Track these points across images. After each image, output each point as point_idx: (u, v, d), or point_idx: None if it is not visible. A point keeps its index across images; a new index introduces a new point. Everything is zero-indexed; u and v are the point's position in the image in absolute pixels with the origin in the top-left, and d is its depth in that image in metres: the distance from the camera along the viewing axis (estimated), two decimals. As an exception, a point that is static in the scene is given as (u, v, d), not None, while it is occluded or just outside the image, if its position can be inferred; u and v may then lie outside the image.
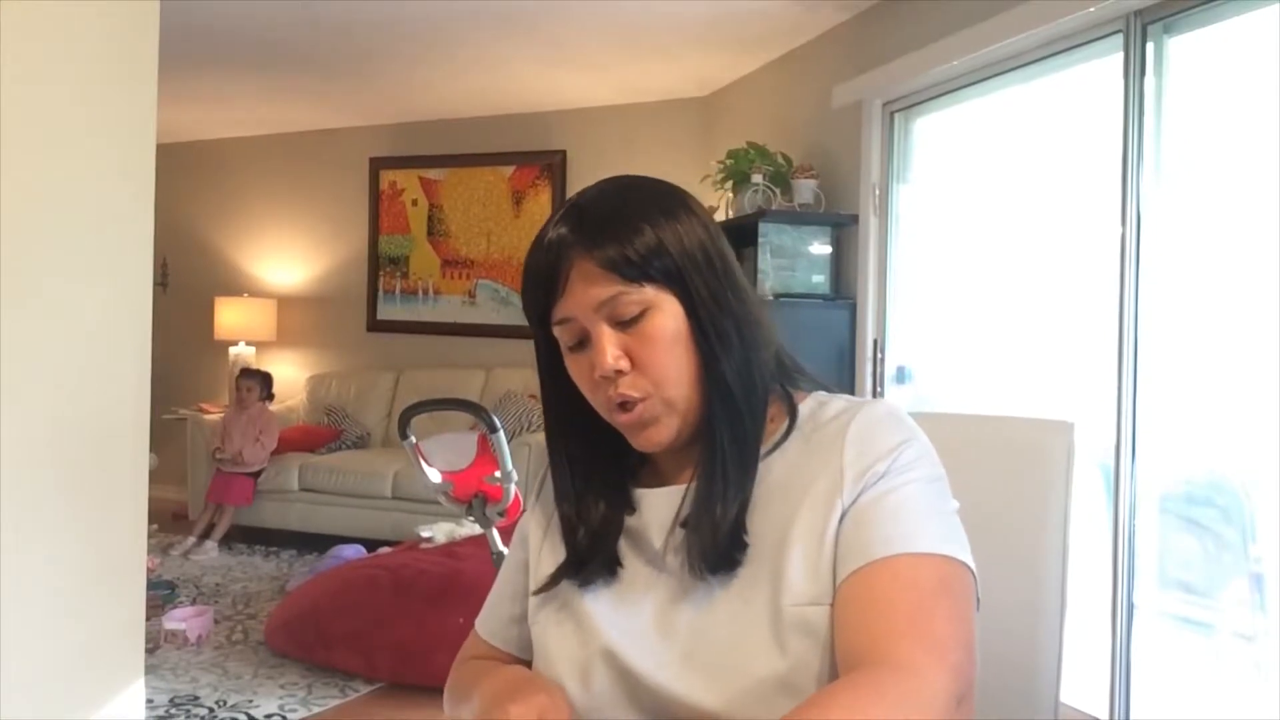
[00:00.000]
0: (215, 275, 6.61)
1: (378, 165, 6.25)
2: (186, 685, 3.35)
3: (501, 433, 2.82)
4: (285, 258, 6.55)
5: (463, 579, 3.52)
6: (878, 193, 3.76)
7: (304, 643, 3.56)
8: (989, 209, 3.43)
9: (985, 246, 3.45)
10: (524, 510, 1.15)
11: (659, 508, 0.99)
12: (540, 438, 5.00)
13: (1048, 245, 3.15)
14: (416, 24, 4.25)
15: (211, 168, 6.65)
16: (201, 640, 3.77)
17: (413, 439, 2.89)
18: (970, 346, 3.53)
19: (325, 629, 3.51)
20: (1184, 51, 2.59)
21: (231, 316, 6.29)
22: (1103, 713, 2.62)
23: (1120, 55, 2.67)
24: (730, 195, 4.19)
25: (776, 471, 0.96)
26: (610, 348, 0.93)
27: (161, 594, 4.14)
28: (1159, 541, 2.64)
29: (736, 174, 4.09)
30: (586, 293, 0.93)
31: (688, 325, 0.94)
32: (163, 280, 6.50)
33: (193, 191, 6.55)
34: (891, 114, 3.75)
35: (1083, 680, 2.65)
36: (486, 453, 2.89)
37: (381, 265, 6.28)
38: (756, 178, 3.95)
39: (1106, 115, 2.73)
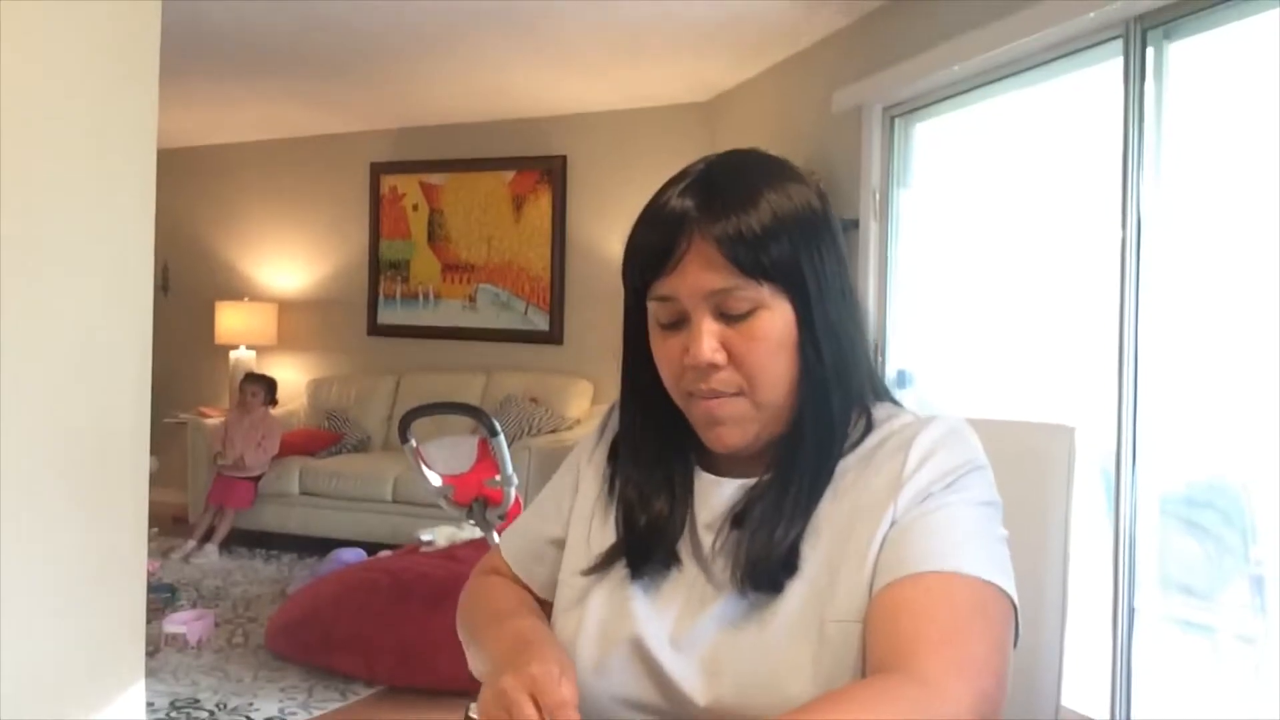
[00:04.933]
0: (216, 279, 6.61)
1: (378, 170, 6.25)
2: (187, 688, 3.35)
3: (502, 436, 2.83)
4: (286, 262, 6.55)
5: (463, 582, 3.50)
6: (878, 197, 3.76)
7: (305, 646, 3.56)
8: (990, 214, 3.43)
9: (986, 251, 3.45)
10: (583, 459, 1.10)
11: (715, 499, 0.95)
12: (540, 441, 5.06)
13: (1048, 250, 3.15)
14: (417, 29, 4.26)
15: (212, 172, 6.66)
16: (202, 643, 3.77)
17: (413, 443, 2.90)
18: (971, 351, 3.53)
19: (326, 632, 3.51)
20: (1184, 57, 2.59)
21: (232, 320, 6.30)
22: (1103, 715, 2.62)
23: (1120, 60, 2.67)
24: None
25: (835, 480, 0.93)
26: (710, 339, 0.88)
27: (162, 597, 4.14)
28: (1160, 544, 2.64)
29: (737, 178, 4.08)
30: (700, 277, 0.88)
31: (795, 331, 0.89)
32: (164, 284, 6.51)
33: (194, 196, 6.55)
34: (892, 118, 3.75)
35: (1084, 683, 2.65)
36: (487, 456, 2.90)
37: (382, 270, 6.28)
38: (757, 182, 3.94)
39: (1107, 120, 2.74)
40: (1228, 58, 2.54)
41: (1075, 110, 3.04)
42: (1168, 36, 2.60)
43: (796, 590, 0.89)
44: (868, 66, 3.73)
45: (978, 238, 3.48)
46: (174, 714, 3.14)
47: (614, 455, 1.03)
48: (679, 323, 0.91)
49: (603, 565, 0.97)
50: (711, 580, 0.93)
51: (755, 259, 0.87)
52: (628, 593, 0.95)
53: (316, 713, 3.20)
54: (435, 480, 2.90)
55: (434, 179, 6.12)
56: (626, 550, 0.96)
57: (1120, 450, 2.62)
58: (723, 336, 0.89)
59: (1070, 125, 3.08)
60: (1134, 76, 2.63)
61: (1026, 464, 1.15)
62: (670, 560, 0.95)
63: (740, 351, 0.89)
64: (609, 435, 1.05)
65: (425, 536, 4.13)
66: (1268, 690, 2.32)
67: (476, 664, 1.00)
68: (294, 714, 3.17)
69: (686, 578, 0.95)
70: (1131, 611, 2.61)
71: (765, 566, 0.88)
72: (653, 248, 0.91)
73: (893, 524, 0.88)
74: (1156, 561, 2.64)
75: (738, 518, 0.92)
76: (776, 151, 1.06)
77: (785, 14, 3.92)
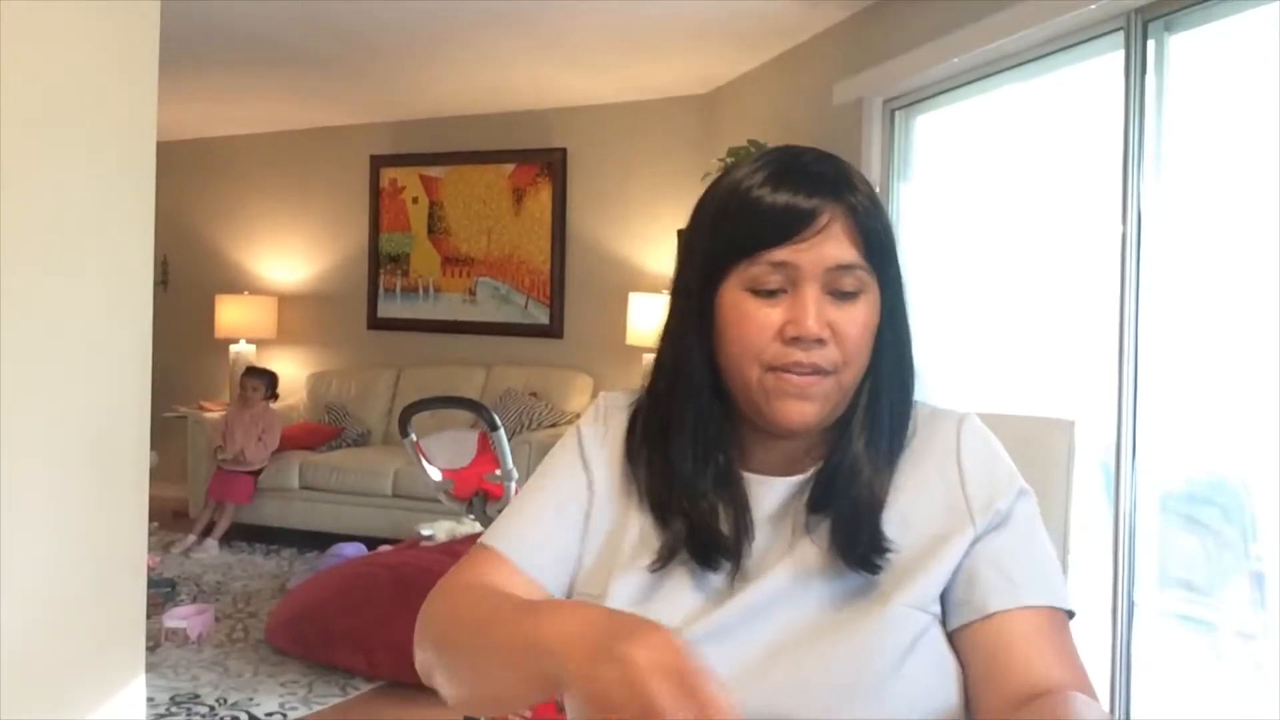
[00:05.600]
0: (216, 273, 6.61)
1: (378, 163, 6.24)
2: (187, 683, 3.36)
3: (502, 430, 2.83)
4: (286, 256, 6.55)
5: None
6: (878, 190, 3.74)
7: (305, 641, 3.56)
8: (990, 206, 3.43)
9: (986, 244, 3.44)
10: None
11: (766, 499, 0.95)
12: (540, 435, 5.04)
13: (1049, 243, 3.15)
14: (417, 22, 4.25)
15: (212, 166, 6.65)
16: (202, 638, 3.77)
17: (413, 437, 2.90)
18: (971, 344, 3.52)
19: (326, 627, 3.52)
20: (1185, 49, 2.59)
21: (232, 314, 6.29)
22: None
23: (1121, 53, 2.67)
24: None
25: None
26: (818, 312, 0.88)
27: (162, 592, 4.14)
28: (1160, 540, 2.63)
29: (737, 172, 4.08)
30: (833, 248, 0.88)
31: (878, 321, 0.92)
32: (163, 278, 6.50)
33: (193, 189, 6.55)
34: (892, 111, 3.74)
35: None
36: (487, 451, 2.89)
37: (382, 263, 6.28)
38: (757, 175, 3.93)
39: (1107, 113, 2.73)
40: (1229, 51, 2.53)
41: (1076, 103, 3.03)
42: (1169, 29, 2.59)
43: (854, 587, 0.90)
44: (868, 59, 3.72)
45: (979, 231, 3.48)
46: (174, 709, 3.15)
47: (629, 454, 0.99)
48: (776, 293, 0.89)
49: (662, 562, 0.93)
50: (771, 575, 0.91)
51: (880, 238, 0.90)
52: (682, 593, 0.92)
53: (317, 708, 3.20)
54: (435, 475, 2.89)
55: (434, 172, 6.12)
56: (691, 552, 0.93)
57: (1120, 445, 2.62)
58: (828, 314, 0.89)
59: (1071, 118, 3.07)
60: (1135, 69, 2.62)
61: (1026, 457, 1.14)
62: (730, 559, 0.92)
63: (843, 331, 0.89)
64: (615, 433, 1.01)
65: (425, 531, 4.13)
66: (1268, 686, 2.32)
67: (473, 676, 0.89)
68: (294, 709, 3.17)
69: (742, 576, 0.92)
70: (1131, 606, 2.61)
71: (868, 538, 0.89)
72: (792, 213, 0.88)
73: (975, 541, 0.91)
74: (1156, 557, 2.63)
75: (819, 502, 0.92)
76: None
77: (785, 7, 3.91)
